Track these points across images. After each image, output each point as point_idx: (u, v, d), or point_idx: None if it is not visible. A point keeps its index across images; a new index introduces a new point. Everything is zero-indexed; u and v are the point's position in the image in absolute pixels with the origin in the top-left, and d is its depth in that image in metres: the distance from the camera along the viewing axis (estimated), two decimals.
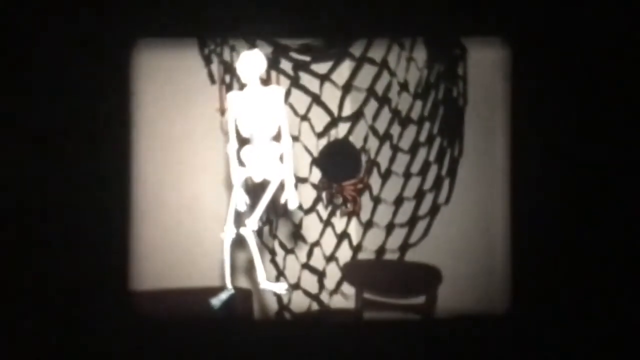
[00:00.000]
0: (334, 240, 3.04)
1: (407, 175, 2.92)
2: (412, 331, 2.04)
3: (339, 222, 3.05)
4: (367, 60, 2.84)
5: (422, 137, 2.88)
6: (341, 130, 3.00)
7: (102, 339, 1.67)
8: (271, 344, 1.85)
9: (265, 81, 1.48)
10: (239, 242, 1.35)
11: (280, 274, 2.97)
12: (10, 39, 1.63)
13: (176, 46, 2.57)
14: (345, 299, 3.03)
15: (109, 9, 1.65)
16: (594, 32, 1.75)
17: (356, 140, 3.00)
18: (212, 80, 2.98)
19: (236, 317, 1.93)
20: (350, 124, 2.98)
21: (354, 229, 3.09)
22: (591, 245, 1.77)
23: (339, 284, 3.02)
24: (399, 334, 1.97)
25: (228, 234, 1.34)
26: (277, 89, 1.39)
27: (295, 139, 2.88)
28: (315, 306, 3.02)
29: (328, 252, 3.03)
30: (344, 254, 3.05)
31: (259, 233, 2.87)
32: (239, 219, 1.36)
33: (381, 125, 2.94)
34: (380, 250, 2.98)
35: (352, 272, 2.99)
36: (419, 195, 2.90)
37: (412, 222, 2.92)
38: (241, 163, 1.38)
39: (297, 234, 3.02)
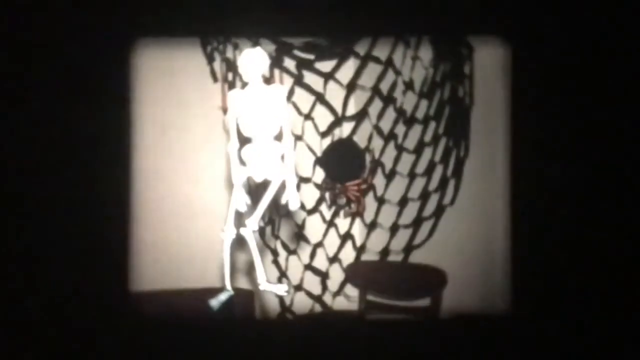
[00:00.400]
0: (337, 241, 3.04)
1: (412, 175, 2.92)
2: (413, 331, 2.05)
3: (343, 223, 3.06)
4: (372, 58, 2.85)
5: (428, 137, 2.87)
6: (345, 129, 3.00)
7: (102, 340, 1.68)
8: (272, 345, 1.86)
9: (268, 79, 1.48)
10: (240, 243, 1.36)
11: (282, 275, 2.98)
12: (10, 39, 1.65)
13: (176, 46, 2.58)
14: (348, 300, 3.03)
15: (109, 9, 1.66)
16: (594, 32, 1.76)
17: (360, 139, 3.01)
18: (215, 78, 2.99)
19: (237, 318, 1.94)
20: (355, 123, 2.98)
21: (358, 230, 3.09)
22: (592, 246, 1.78)
23: (342, 286, 3.02)
24: (399, 334, 1.97)
25: (228, 234, 1.35)
26: (279, 88, 1.40)
27: (299, 138, 2.89)
28: (318, 308, 3.03)
29: (331, 253, 3.03)
30: (348, 255, 3.05)
31: (261, 233, 2.89)
32: (240, 219, 1.37)
33: (386, 125, 2.94)
34: (385, 252, 2.98)
35: (356, 273, 2.99)
36: (424, 196, 2.90)
37: (416, 223, 2.91)
38: (242, 162, 1.38)
39: (299, 235, 3.02)
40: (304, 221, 3.01)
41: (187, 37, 2.55)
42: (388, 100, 2.90)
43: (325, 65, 2.89)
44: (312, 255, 3.02)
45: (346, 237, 3.05)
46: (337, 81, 2.90)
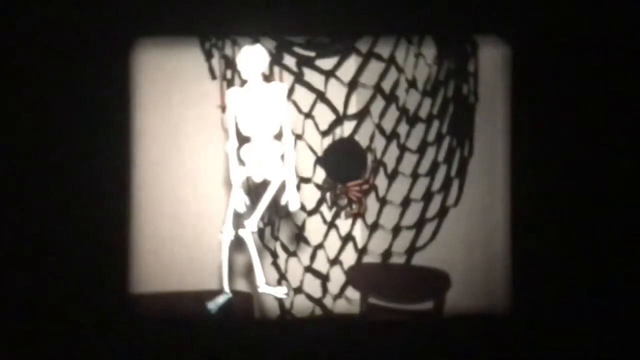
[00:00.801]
0: (338, 243, 3.04)
1: (414, 175, 2.92)
2: (413, 331, 2.06)
3: (344, 224, 3.05)
4: (374, 56, 2.84)
5: (431, 136, 2.87)
6: (346, 128, 3.00)
7: (102, 342, 1.69)
8: (272, 346, 1.86)
9: (268, 77, 1.48)
10: (238, 244, 1.35)
11: (282, 278, 2.97)
12: (10, 39, 1.66)
13: (176, 45, 2.59)
14: (349, 304, 3.03)
15: (109, 9, 1.67)
16: (595, 32, 1.77)
17: (362, 139, 3.00)
18: (213, 76, 2.99)
19: (236, 320, 1.94)
20: (356, 122, 2.98)
21: (359, 232, 3.09)
22: (592, 247, 1.79)
23: (343, 289, 3.02)
24: (399, 334, 1.98)
25: (227, 235, 1.35)
26: (279, 86, 1.40)
27: (299, 137, 2.89)
28: (318, 311, 3.02)
29: (332, 255, 3.03)
30: (349, 257, 3.05)
31: (261, 234, 2.88)
32: (239, 220, 1.36)
33: (388, 124, 2.94)
34: (386, 254, 2.98)
35: (357, 276, 2.99)
36: (427, 197, 2.90)
37: (419, 225, 2.91)
38: (241, 162, 1.38)
39: (299, 236, 3.02)
40: (304, 222, 3.01)
41: (187, 37, 2.57)
42: (390, 98, 2.90)
43: (326, 63, 2.89)
44: (313, 257, 3.02)
45: (347, 238, 3.04)
46: (338, 79, 2.89)
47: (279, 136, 1.39)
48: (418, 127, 2.90)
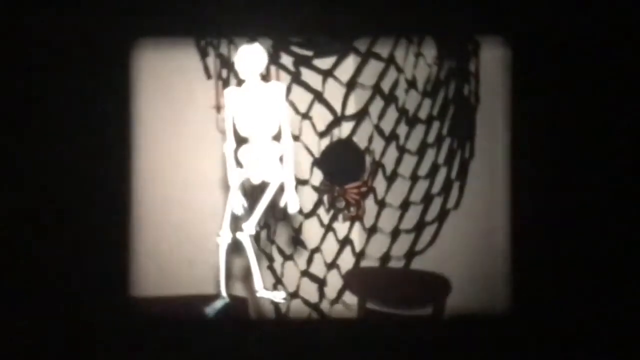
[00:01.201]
0: (336, 247, 3.04)
1: (414, 178, 2.92)
2: (413, 331, 2.07)
3: (341, 227, 3.06)
4: (373, 55, 2.85)
5: (431, 138, 2.88)
6: (344, 129, 3.00)
7: (101, 345, 1.70)
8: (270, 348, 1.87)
9: (265, 77, 1.48)
10: (236, 248, 1.36)
11: (278, 282, 2.98)
12: (10, 39, 1.67)
13: (176, 46, 2.60)
14: (347, 309, 3.03)
15: (109, 9, 1.68)
16: (595, 32, 1.79)
17: (360, 140, 3.01)
18: (208, 75, 2.99)
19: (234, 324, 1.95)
20: (354, 123, 2.98)
21: (357, 235, 3.09)
22: (593, 248, 1.82)
23: (340, 293, 3.01)
24: (399, 334, 2.00)
25: (224, 238, 1.35)
26: (278, 85, 1.40)
27: (296, 138, 2.89)
28: (315, 316, 3.02)
29: (329, 259, 3.03)
30: (346, 261, 3.05)
31: (256, 238, 2.88)
32: (236, 223, 1.36)
33: (387, 125, 2.94)
34: (385, 258, 2.99)
35: (355, 280, 2.99)
36: (427, 200, 2.90)
37: (419, 228, 2.92)
38: (238, 164, 1.38)
39: (296, 240, 3.02)
40: (300, 225, 3.01)
41: (187, 37, 2.58)
42: (389, 99, 2.90)
43: (324, 62, 2.89)
44: (309, 261, 3.01)
45: (345, 242, 3.04)
46: (337, 79, 2.90)
47: (277, 137, 1.39)
48: (418, 128, 2.90)
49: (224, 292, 1.35)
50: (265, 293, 1.35)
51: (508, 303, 1.90)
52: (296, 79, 2.87)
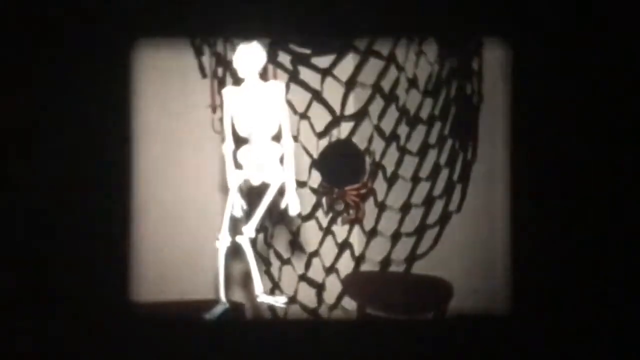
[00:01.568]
0: (335, 250, 3.03)
1: (415, 179, 2.93)
2: (413, 331, 2.08)
3: (340, 231, 3.05)
4: (373, 53, 2.85)
5: (432, 139, 2.88)
6: (344, 130, 3.00)
7: (102, 349, 1.70)
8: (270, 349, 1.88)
9: (262, 75, 1.48)
10: (235, 252, 1.35)
11: (275, 286, 2.97)
12: (10, 39, 1.68)
13: (176, 46, 2.60)
14: (346, 314, 3.03)
15: (109, 9, 1.69)
16: (595, 32, 1.80)
17: (360, 141, 3.01)
18: (203, 74, 2.99)
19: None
20: (354, 123, 2.98)
21: (357, 238, 3.10)
22: (594, 249, 1.83)
23: (339, 298, 3.01)
24: (399, 334, 2.01)
25: (223, 242, 1.34)
26: (278, 84, 1.40)
27: (294, 139, 2.86)
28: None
29: (328, 263, 3.02)
30: (345, 265, 3.05)
31: (253, 241, 2.87)
32: (235, 226, 1.36)
33: (387, 125, 2.94)
34: (385, 262, 2.99)
35: (354, 285, 2.99)
36: (428, 202, 2.91)
37: (420, 231, 2.92)
38: (238, 165, 1.38)
39: (294, 243, 3.02)
40: (298, 228, 3.01)
41: (186, 38, 2.58)
42: (390, 98, 2.91)
43: (323, 61, 2.89)
44: (308, 265, 3.01)
45: (344, 245, 3.04)
46: (336, 78, 2.90)
47: (277, 137, 1.39)
48: (419, 128, 2.91)
49: (223, 298, 1.34)
50: (266, 298, 1.35)
51: (509, 306, 1.91)
52: (294, 77, 2.87)
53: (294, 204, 1.37)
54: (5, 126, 1.68)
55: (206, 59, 2.97)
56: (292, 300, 2.99)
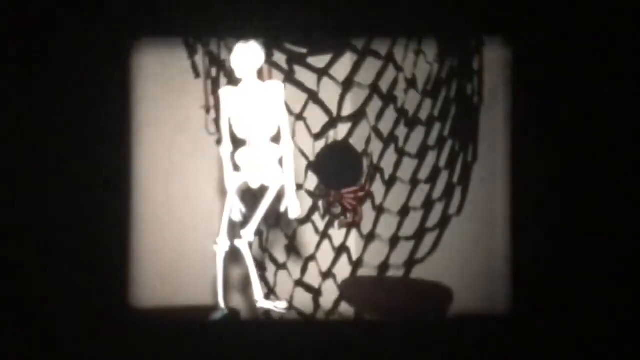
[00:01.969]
0: (332, 255, 3.03)
1: (414, 182, 2.93)
2: (413, 331, 2.09)
3: (337, 234, 3.05)
4: (371, 53, 2.85)
5: (432, 140, 2.88)
6: (340, 131, 3.00)
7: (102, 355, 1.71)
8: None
9: (257, 75, 1.49)
10: (234, 256, 1.36)
11: (270, 292, 2.97)
12: (10, 39, 1.68)
13: (176, 46, 2.60)
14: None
15: (109, 9, 1.70)
16: (595, 32, 1.82)
17: (357, 142, 3.01)
18: (197, 73, 2.99)
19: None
20: (351, 124, 2.98)
21: (354, 242, 3.09)
22: (593, 249, 1.85)
23: (336, 304, 3.01)
24: (399, 334, 2.02)
25: (221, 246, 1.35)
26: (276, 84, 1.41)
27: None
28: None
29: (324, 267, 3.02)
30: (343, 270, 3.05)
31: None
32: (234, 229, 1.36)
33: (385, 126, 2.94)
34: (383, 266, 2.99)
35: (352, 290, 2.99)
36: (428, 205, 2.91)
37: (419, 235, 2.92)
38: (236, 167, 1.38)
39: (290, 247, 3.02)
40: (294, 232, 3.00)
41: (184, 37, 2.58)
42: (388, 99, 2.90)
43: (319, 60, 2.89)
44: (304, 269, 3.01)
45: (341, 250, 3.05)
46: (332, 78, 2.90)
47: (276, 139, 1.39)
48: (418, 129, 2.91)
49: (222, 304, 1.35)
50: (266, 303, 1.35)
51: (510, 312, 1.92)
52: (289, 77, 2.86)
53: (294, 207, 1.38)
54: (5, 126, 1.69)
55: (199, 58, 2.97)
56: (288, 306, 2.99)
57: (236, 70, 1.40)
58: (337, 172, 2.99)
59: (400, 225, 2.96)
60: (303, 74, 2.89)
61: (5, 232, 1.72)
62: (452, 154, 2.85)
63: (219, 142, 1.42)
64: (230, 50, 1.41)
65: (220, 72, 2.86)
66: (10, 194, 1.70)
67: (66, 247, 1.70)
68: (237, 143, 1.41)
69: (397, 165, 2.96)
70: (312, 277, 3.03)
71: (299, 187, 2.97)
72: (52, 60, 1.70)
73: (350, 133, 3.00)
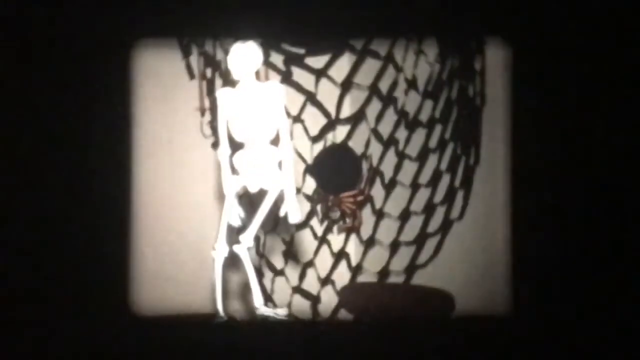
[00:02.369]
0: (330, 260, 3.04)
1: (414, 186, 2.92)
2: (413, 331, 2.09)
3: (336, 240, 3.06)
4: (370, 53, 2.85)
5: (433, 143, 2.88)
6: (339, 133, 3.01)
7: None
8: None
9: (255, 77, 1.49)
10: (232, 262, 1.36)
11: (267, 299, 2.96)
12: (10, 39, 1.69)
13: (175, 46, 2.60)
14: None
15: (109, 9, 1.71)
16: (595, 32, 1.83)
17: (356, 145, 3.01)
18: (191, 75, 2.98)
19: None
20: (350, 126, 2.99)
21: (353, 247, 3.09)
22: (593, 251, 1.86)
23: (335, 311, 3.01)
24: (399, 334, 2.02)
25: (220, 252, 1.35)
26: (276, 85, 1.41)
27: None
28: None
29: (323, 273, 3.02)
30: (342, 276, 3.05)
31: None
32: (232, 234, 1.36)
33: (385, 129, 2.95)
34: (384, 272, 2.99)
35: (351, 297, 2.98)
36: (429, 209, 2.90)
37: (420, 240, 2.92)
38: (234, 171, 1.38)
39: (287, 253, 3.02)
40: (292, 237, 3.00)
41: (183, 38, 2.58)
42: (388, 100, 2.91)
43: (317, 61, 2.90)
44: (302, 276, 3.01)
45: (340, 255, 3.04)
46: (331, 79, 2.90)
47: (275, 141, 1.39)
48: (418, 132, 2.91)
49: (221, 311, 1.35)
50: (266, 310, 1.35)
51: (511, 318, 1.93)
52: (287, 78, 2.87)
53: (294, 212, 1.38)
54: (5, 126, 1.69)
55: (194, 59, 2.96)
56: (288, 313, 2.98)
57: (233, 72, 1.40)
58: (336, 176, 2.99)
59: (400, 230, 2.96)
60: (301, 75, 2.90)
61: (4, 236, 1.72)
62: (454, 157, 2.85)
63: (215, 145, 1.42)
64: (226, 51, 1.41)
65: (215, 73, 2.86)
66: (10, 194, 1.70)
67: (65, 251, 1.70)
68: (236, 146, 1.41)
69: (398, 168, 2.95)
70: (311, 284, 3.03)
71: (297, 190, 2.96)
72: (50, 61, 1.70)
73: (349, 135, 3.00)
